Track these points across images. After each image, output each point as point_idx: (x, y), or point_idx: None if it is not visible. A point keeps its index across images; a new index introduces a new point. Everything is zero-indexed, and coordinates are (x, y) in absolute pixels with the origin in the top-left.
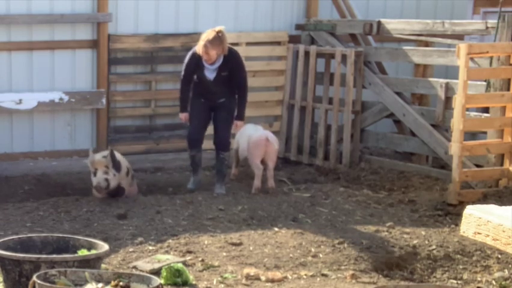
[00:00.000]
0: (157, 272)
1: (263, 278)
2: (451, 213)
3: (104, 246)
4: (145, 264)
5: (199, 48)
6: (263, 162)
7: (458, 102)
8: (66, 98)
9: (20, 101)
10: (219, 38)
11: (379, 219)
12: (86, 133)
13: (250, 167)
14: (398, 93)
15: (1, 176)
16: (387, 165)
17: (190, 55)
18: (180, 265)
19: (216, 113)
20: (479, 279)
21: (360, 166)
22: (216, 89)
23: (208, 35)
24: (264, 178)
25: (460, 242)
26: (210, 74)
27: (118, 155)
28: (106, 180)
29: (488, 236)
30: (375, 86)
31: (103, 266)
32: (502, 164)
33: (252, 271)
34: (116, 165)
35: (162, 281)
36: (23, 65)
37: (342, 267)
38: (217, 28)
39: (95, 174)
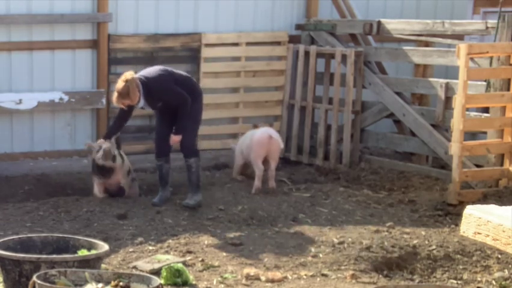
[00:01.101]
0: (157, 272)
1: (263, 278)
2: (451, 213)
3: (104, 246)
4: (145, 264)
5: (114, 100)
6: (265, 161)
7: (458, 102)
8: (66, 98)
9: (20, 101)
10: (127, 88)
11: (379, 219)
12: (86, 133)
13: (252, 166)
14: (398, 93)
15: (1, 176)
16: (387, 165)
17: None
18: (180, 265)
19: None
20: (479, 279)
21: (360, 166)
22: (166, 109)
23: (118, 86)
24: (264, 178)
25: (460, 242)
26: (148, 107)
27: (122, 154)
28: (111, 150)
29: (488, 236)
30: (375, 86)
31: (103, 266)
32: (502, 164)
33: (252, 271)
34: (120, 153)
35: (162, 281)
36: (23, 65)
37: (342, 267)
38: (127, 76)
39: (99, 150)
